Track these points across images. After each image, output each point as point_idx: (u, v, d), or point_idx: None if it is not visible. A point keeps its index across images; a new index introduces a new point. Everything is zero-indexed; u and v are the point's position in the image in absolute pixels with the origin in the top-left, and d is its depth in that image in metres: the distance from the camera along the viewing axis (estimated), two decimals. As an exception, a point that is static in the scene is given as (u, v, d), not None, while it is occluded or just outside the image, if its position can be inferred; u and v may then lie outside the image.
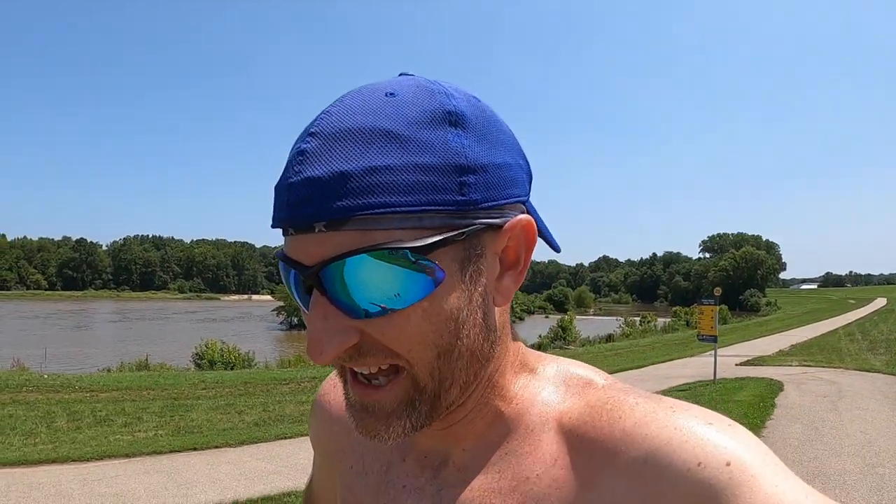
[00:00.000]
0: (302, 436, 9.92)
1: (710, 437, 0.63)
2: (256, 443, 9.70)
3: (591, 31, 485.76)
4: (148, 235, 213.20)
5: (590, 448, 0.68)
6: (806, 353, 23.74)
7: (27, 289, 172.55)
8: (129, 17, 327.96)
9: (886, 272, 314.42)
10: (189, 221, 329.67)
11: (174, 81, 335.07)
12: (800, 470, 7.54)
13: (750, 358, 22.06)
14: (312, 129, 0.64)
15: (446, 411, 0.70)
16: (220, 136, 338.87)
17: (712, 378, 15.57)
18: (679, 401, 0.69)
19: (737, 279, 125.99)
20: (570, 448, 0.70)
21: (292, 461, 8.51)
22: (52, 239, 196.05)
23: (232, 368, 23.23)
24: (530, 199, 0.74)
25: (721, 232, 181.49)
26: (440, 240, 0.61)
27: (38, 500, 6.89)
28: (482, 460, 0.74)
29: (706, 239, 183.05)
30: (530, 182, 0.74)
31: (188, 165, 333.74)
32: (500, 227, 0.66)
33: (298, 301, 0.68)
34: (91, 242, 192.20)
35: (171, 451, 9.08)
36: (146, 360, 23.68)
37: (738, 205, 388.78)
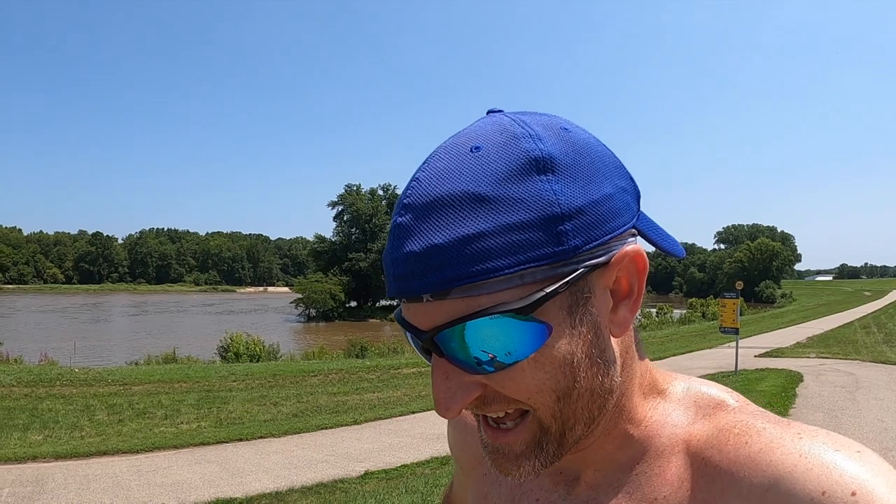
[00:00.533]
0: (341, 426, 10.27)
1: (837, 465, 0.61)
2: (298, 433, 9.99)
3: (602, 19, 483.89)
4: (163, 228, 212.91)
5: (714, 472, 0.69)
6: (823, 346, 24.04)
7: (44, 282, 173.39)
8: (147, 14, 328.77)
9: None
10: (204, 214, 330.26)
11: (189, 77, 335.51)
12: None
13: (769, 350, 22.39)
14: (405, 201, 0.66)
15: (572, 447, 0.72)
16: (234, 130, 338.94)
17: (734, 369, 15.93)
18: (809, 426, 0.69)
19: (752, 271, 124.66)
20: (695, 471, 0.71)
21: (337, 450, 8.83)
22: (69, 233, 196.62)
23: (257, 360, 23.55)
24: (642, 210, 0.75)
25: (736, 223, 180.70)
26: (543, 296, 0.62)
27: (96, 492, 7.16)
28: (612, 480, 0.77)
29: (721, 230, 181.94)
30: (638, 199, 0.74)
31: (202, 159, 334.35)
32: (606, 263, 0.67)
33: (421, 355, 0.72)
34: (107, 236, 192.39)
35: (216, 442, 9.39)
36: (174, 353, 23.97)
37: (754, 196, 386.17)
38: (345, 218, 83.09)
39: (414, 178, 0.67)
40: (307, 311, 68.73)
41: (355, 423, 10.81)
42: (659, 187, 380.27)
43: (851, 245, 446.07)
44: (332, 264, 78.61)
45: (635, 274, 0.69)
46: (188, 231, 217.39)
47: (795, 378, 14.37)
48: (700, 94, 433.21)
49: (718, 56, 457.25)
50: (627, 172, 0.72)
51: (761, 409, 0.74)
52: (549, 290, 0.62)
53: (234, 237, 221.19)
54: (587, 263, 0.64)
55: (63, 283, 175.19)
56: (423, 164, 0.67)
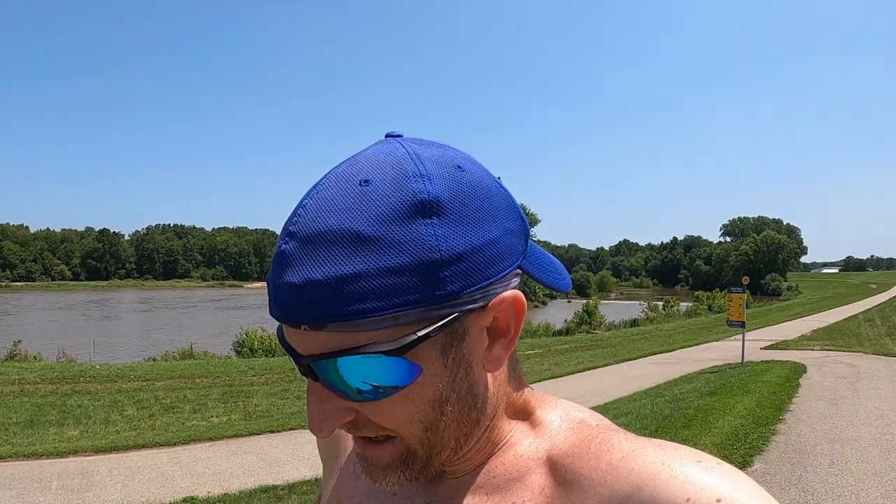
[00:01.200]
0: None
1: (699, 474, 0.62)
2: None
3: (612, 11, 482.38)
4: (170, 224, 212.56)
5: (575, 479, 0.69)
6: (827, 338, 24.46)
7: (52, 280, 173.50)
8: (155, 9, 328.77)
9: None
10: (209, 209, 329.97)
11: (196, 73, 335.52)
12: (821, 437, 8.66)
13: (774, 342, 22.79)
14: (290, 228, 0.68)
15: (441, 466, 0.75)
16: (238, 125, 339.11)
17: (740, 361, 16.39)
18: (671, 442, 0.70)
19: (758, 263, 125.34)
20: (556, 479, 0.72)
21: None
22: (76, 230, 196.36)
23: (272, 355, 23.72)
24: (531, 242, 0.79)
25: (742, 216, 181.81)
26: (415, 339, 0.64)
27: (142, 483, 7.56)
28: (474, 480, 0.78)
29: (727, 223, 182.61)
30: (527, 237, 0.76)
31: (207, 154, 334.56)
32: (484, 306, 0.68)
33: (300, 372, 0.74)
34: (114, 232, 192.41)
35: (249, 434, 9.82)
36: (191, 348, 24.47)
37: (759, 188, 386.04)
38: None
39: (301, 205, 0.69)
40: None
41: None
42: (665, 180, 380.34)
43: (857, 237, 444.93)
44: None
45: (513, 315, 0.71)
46: (194, 226, 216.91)
47: (799, 369, 14.81)
48: (706, 86, 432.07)
49: (725, 48, 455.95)
50: (518, 211, 0.74)
51: (623, 429, 0.77)
52: (421, 333, 0.64)
53: (241, 232, 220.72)
54: (464, 308, 0.66)
55: (71, 280, 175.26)
56: (312, 189, 0.70)
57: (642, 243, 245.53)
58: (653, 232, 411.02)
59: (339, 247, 0.63)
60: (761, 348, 20.52)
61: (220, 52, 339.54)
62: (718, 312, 49.07)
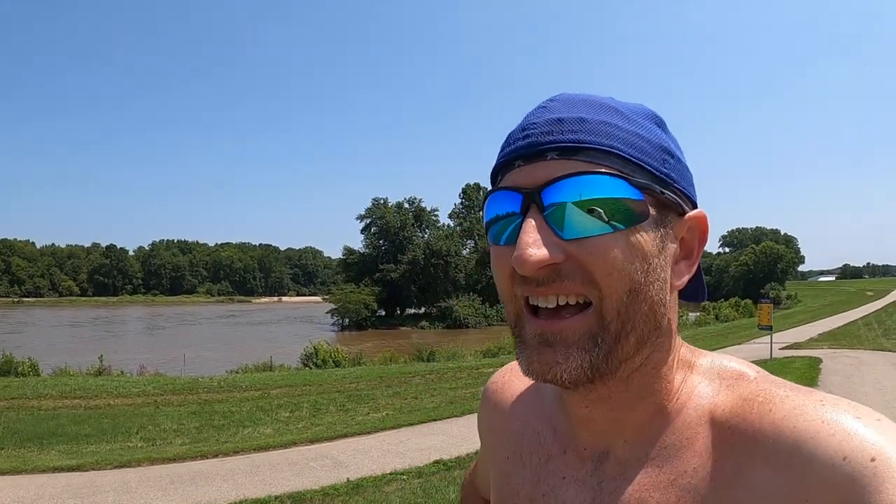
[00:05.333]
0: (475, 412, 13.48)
1: (857, 432, 0.63)
2: (461, 416, 12.72)
3: (601, 23, 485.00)
4: (174, 240, 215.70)
5: (740, 440, 0.71)
6: (832, 339, 28.22)
7: (60, 295, 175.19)
8: (161, 26, 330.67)
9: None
10: (211, 225, 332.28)
11: (201, 91, 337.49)
12: (841, 394, 13.03)
13: (788, 344, 26.22)
14: (552, 97, 0.78)
15: (619, 366, 0.74)
16: (239, 143, 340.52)
17: (768, 357, 20.15)
18: (830, 395, 0.70)
19: (758, 273, 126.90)
20: (722, 440, 0.73)
21: None
22: (82, 246, 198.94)
23: (339, 366, 25.82)
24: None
25: (740, 226, 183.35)
26: (649, 184, 0.72)
27: (376, 457, 9.55)
28: (642, 454, 0.78)
29: (726, 234, 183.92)
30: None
31: (208, 170, 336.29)
32: (682, 214, 0.77)
33: (497, 236, 0.77)
34: (120, 248, 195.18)
35: (410, 425, 11.98)
36: (270, 361, 26.16)
37: (757, 199, 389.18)
38: (373, 230, 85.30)
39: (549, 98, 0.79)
40: (341, 321, 71.25)
41: None
42: None
43: (854, 245, 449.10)
44: (363, 275, 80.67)
45: (698, 237, 0.79)
46: (198, 242, 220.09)
47: (816, 361, 19.34)
48: (702, 98, 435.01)
49: (718, 58, 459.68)
50: None
51: (781, 379, 0.78)
52: (653, 185, 0.73)
53: (244, 248, 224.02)
54: (676, 196, 0.76)
55: (79, 296, 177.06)
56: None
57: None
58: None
59: (600, 108, 0.76)
60: (780, 349, 23.63)
61: (224, 72, 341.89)
62: (725, 321, 51.67)
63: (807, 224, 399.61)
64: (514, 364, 1.01)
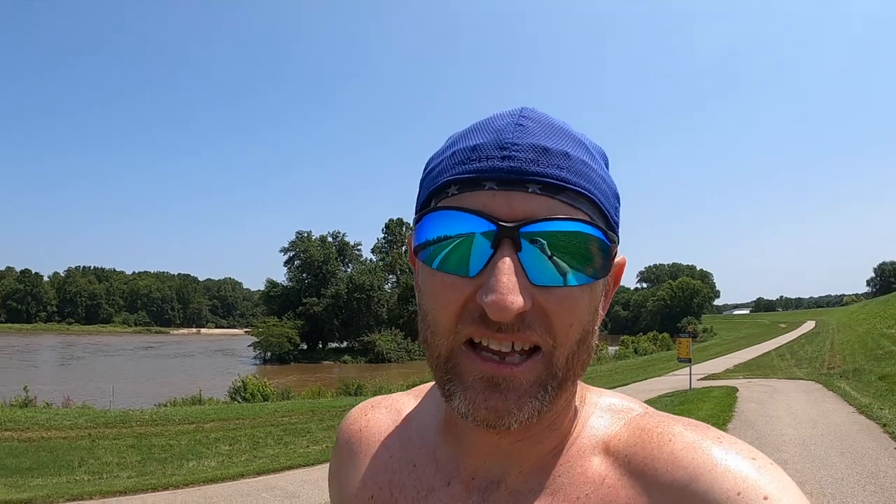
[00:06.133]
0: None
1: (752, 471, 0.66)
2: None
3: (512, 67, 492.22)
4: (90, 267, 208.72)
5: (637, 469, 0.71)
6: (748, 370, 29.91)
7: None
8: (65, 48, 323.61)
9: (816, 295, 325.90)
10: (129, 252, 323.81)
11: (113, 116, 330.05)
12: (758, 416, 14.81)
13: (706, 375, 27.65)
14: (525, 113, 0.73)
15: (550, 408, 0.72)
16: (155, 167, 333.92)
17: (688, 387, 21.33)
18: (727, 434, 0.73)
19: (674, 308, 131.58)
20: (618, 469, 0.73)
21: None
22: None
23: (268, 400, 25.76)
24: None
25: (657, 263, 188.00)
26: (613, 235, 0.71)
27: (280, 499, 9.29)
28: (535, 484, 0.77)
29: (643, 270, 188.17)
30: None
31: (126, 195, 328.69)
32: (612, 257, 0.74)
33: (446, 260, 0.70)
34: (35, 273, 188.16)
35: None
36: (200, 395, 26.03)
37: (674, 235, 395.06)
38: (296, 263, 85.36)
39: (525, 107, 0.76)
40: (263, 354, 70.86)
41: None
42: None
43: (767, 279, 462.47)
44: (286, 308, 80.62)
45: (614, 281, 0.80)
46: (115, 270, 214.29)
47: (733, 389, 20.45)
48: (623, 142, 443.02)
49: (636, 95, 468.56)
50: None
51: (674, 415, 0.79)
52: (614, 236, 0.73)
53: (162, 277, 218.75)
54: (616, 246, 0.74)
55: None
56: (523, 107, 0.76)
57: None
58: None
59: (575, 142, 0.73)
60: (698, 380, 24.74)
61: (144, 96, 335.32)
62: (643, 354, 53.13)
63: (722, 259, 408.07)
64: (375, 400, 1.03)
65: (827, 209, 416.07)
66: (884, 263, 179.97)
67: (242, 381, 27.73)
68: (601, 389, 0.89)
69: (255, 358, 71.18)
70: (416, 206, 0.80)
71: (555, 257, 0.66)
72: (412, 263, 0.80)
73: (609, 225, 0.74)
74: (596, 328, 0.74)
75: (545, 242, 0.66)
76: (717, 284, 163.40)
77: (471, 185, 0.70)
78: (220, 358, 74.61)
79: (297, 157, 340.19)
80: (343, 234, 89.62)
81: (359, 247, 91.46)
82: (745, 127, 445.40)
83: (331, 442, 13.81)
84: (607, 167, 0.79)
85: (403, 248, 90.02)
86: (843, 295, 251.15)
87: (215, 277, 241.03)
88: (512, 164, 0.68)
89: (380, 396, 1.04)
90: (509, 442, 0.78)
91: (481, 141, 0.72)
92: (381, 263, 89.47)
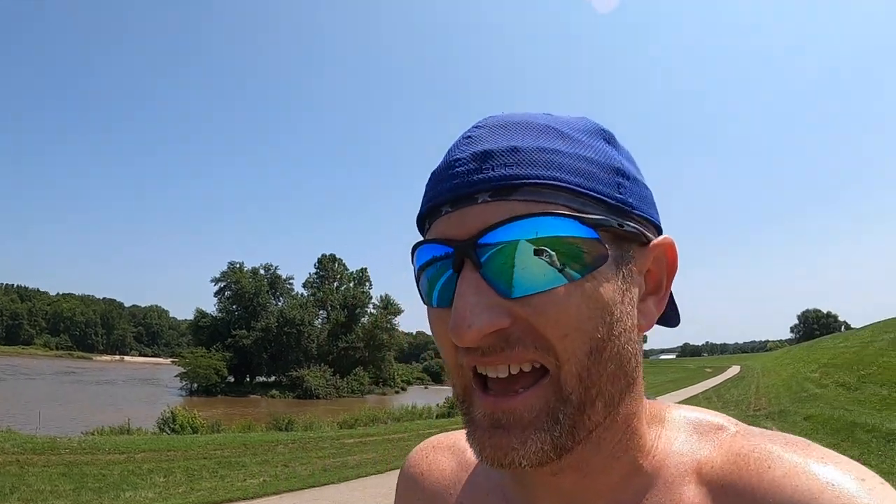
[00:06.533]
0: (359, 477, 13.82)
1: (862, 495, 0.59)
2: (338, 482, 13.29)
3: (452, 110, 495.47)
4: (13, 285, 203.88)
5: (737, 499, 0.64)
6: None
7: None
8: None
9: (741, 341, 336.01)
10: (53, 274, 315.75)
11: (45, 130, 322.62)
12: None
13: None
14: (478, 124, 0.67)
15: (588, 436, 0.64)
16: (77, 179, 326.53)
17: None
18: (829, 451, 0.65)
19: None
20: (714, 499, 0.65)
21: (375, 491, 12.27)
22: None
23: (197, 432, 25.39)
24: None
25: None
26: (604, 218, 0.62)
27: None
28: None
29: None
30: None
31: (49, 212, 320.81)
32: (645, 244, 0.67)
33: (429, 295, 0.67)
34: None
35: (290, 490, 12.43)
36: (128, 424, 25.42)
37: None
38: (227, 294, 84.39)
39: (486, 117, 0.69)
40: (190, 385, 69.66)
41: (358, 476, 14.10)
42: None
43: (692, 325, 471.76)
44: (215, 339, 79.44)
45: (666, 268, 0.70)
46: (38, 290, 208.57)
47: None
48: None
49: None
50: None
51: (767, 430, 0.71)
52: (608, 218, 0.63)
53: (87, 300, 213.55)
54: (635, 226, 0.65)
55: None
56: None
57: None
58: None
59: (536, 131, 0.65)
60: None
61: (82, 111, 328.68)
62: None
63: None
64: (437, 440, 0.95)
65: (753, 260, 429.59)
66: (807, 311, 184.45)
67: (172, 412, 27.37)
68: (680, 405, 0.81)
69: (181, 389, 69.85)
70: None
71: (523, 259, 0.60)
72: None
73: (606, 207, 0.65)
74: (617, 333, 0.64)
75: (507, 249, 0.60)
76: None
77: (433, 214, 0.67)
78: (146, 387, 72.91)
79: (231, 190, 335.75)
80: (275, 267, 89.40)
81: (291, 280, 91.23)
82: (677, 183, 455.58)
83: (268, 476, 14.34)
84: (608, 142, 0.70)
85: (336, 284, 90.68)
86: (768, 341, 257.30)
87: (141, 304, 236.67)
88: (455, 182, 0.63)
89: (441, 435, 0.96)
90: (571, 480, 0.69)
91: (437, 167, 0.69)
92: (312, 298, 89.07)
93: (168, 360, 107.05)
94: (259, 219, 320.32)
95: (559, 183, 0.62)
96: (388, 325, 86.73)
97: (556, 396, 0.62)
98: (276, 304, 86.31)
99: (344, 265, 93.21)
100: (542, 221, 0.59)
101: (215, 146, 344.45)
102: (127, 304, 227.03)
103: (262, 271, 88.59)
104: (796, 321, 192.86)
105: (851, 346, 21.40)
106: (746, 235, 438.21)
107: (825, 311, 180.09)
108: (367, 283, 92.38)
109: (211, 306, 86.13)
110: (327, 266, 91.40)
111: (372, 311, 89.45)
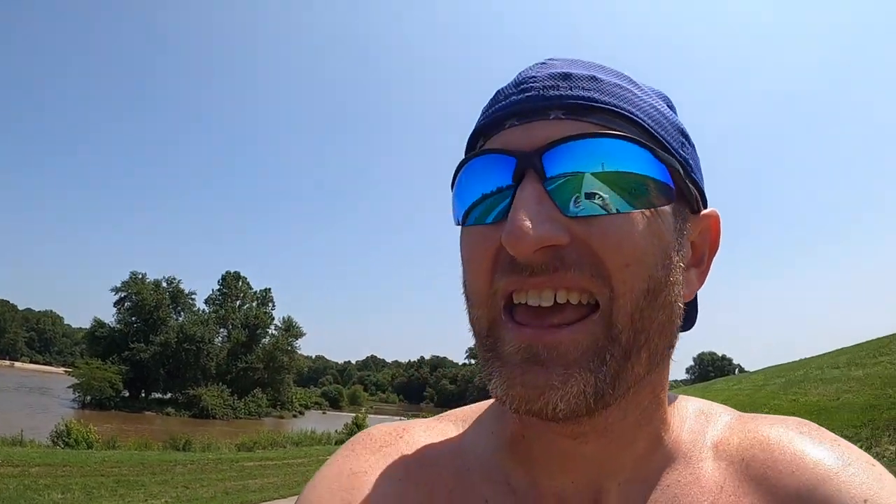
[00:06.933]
0: (263, 501, 14.08)
1: (880, 475, 0.61)
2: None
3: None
4: None
5: (759, 474, 0.64)
6: None
7: None
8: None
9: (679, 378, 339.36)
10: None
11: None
12: None
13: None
14: (553, 57, 0.65)
15: (626, 393, 0.60)
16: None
17: None
18: (838, 436, 0.68)
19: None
20: (736, 475, 0.65)
21: None
22: None
23: (92, 448, 24.92)
24: None
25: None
26: (673, 164, 0.60)
27: None
28: (643, 496, 0.65)
29: (472, 346, 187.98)
30: None
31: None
32: (696, 212, 0.65)
33: (471, 211, 0.63)
34: None
35: None
36: (21, 435, 24.67)
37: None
38: (126, 305, 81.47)
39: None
40: (83, 398, 67.35)
41: (262, 500, 14.31)
42: (416, 303, 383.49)
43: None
44: (111, 351, 76.74)
45: (708, 241, 0.68)
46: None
47: None
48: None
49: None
50: None
51: (779, 416, 0.72)
52: (677, 167, 0.61)
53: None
54: (693, 188, 0.65)
55: None
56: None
57: (389, 360, 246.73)
58: (401, 350, 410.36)
59: (611, 72, 0.64)
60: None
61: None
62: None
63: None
64: (386, 435, 0.79)
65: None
66: (703, 353, 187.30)
67: (66, 426, 26.71)
68: (682, 395, 0.77)
69: (73, 400, 67.32)
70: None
71: (592, 181, 0.56)
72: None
73: (672, 158, 0.63)
74: (673, 281, 0.61)
75: (576, 167, 0.56)
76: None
77: (494, 128, 0.64)
78: (35, 396, 70.11)
79: (135, 197, 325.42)
80: (178, 281, 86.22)
81: (193, 296, 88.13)
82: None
83: (169, 497, 14.25)
84: (671, 109, 0.69)
85: (238, 303, 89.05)
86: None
87: (36, 308, 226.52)
88: (528, 95, 0.61)
89: (385, 426, 0.81)
90: (595, 447, 0.65)
91: (503, 87, 0.66)
92: (214, 315, 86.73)
93: (61, 370, 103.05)
94: (165, 228, 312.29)
95: (634, 117, 0.60)
96: (289, 348, 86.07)
97: (606, 335, 0.57)
98: (177, 319, 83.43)
99: (248, 283, 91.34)
100: (617, 145, 0.57)
101: (119, 150, 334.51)
102: (21, 307, 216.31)
103: (164, 284, 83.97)
104: (692, 363, 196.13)
105: (744, 388, 22.49)
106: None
107: (720, 354, 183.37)
108: (271, 304, 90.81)
109: (109, 316, 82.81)
110: (231, 283, 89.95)
111: (273, 332, 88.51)
